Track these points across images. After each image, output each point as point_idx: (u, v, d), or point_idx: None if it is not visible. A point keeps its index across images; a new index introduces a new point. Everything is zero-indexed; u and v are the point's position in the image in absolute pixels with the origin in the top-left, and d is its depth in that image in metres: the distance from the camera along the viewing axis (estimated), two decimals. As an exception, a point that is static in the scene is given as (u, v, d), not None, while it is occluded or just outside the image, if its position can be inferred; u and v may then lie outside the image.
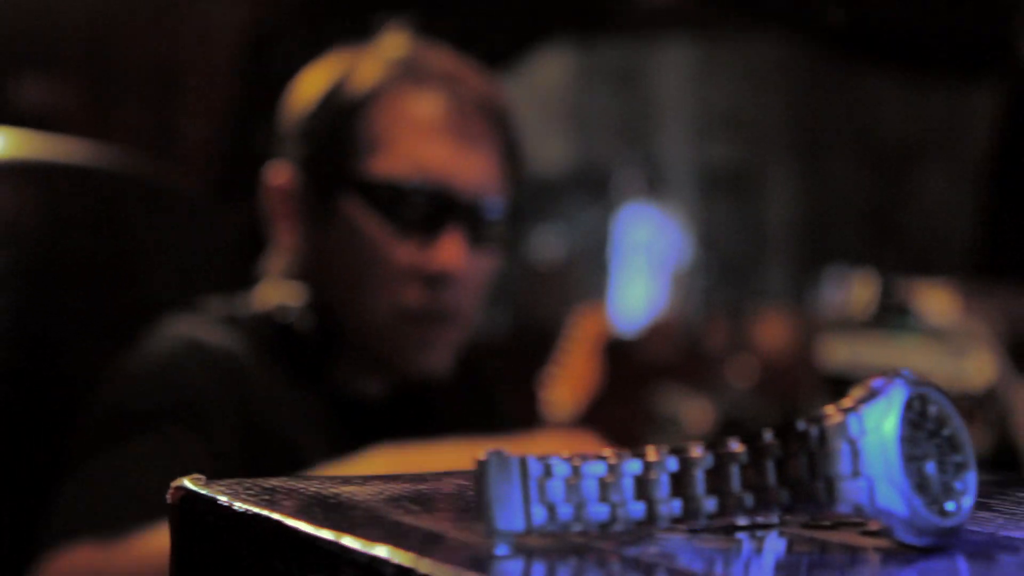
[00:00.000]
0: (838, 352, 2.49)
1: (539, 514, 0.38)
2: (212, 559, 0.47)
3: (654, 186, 5.19)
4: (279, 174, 1.25)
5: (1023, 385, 2.03)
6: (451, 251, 1.18)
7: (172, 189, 1.50)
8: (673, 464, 0.39)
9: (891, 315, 1.63)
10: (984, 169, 3.24)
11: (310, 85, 1.26)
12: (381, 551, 0.37)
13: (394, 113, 1.21)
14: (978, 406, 2.17)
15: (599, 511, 0.39)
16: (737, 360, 3.28)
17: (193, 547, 0.48)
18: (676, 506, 0.39)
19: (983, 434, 2.16)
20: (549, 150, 6.14)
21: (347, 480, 0.50)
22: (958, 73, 4.05)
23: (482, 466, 0.38)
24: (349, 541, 0.38)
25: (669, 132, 4.94)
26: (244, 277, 1.31)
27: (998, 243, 3.07)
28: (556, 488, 0.39)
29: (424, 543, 0.38)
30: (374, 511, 0.43)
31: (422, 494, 0.48)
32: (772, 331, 3.51)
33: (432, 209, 1.19)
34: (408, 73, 1.23)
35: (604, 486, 0.39)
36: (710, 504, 0.39)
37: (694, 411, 2.89)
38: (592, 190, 5.32)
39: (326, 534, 0.39)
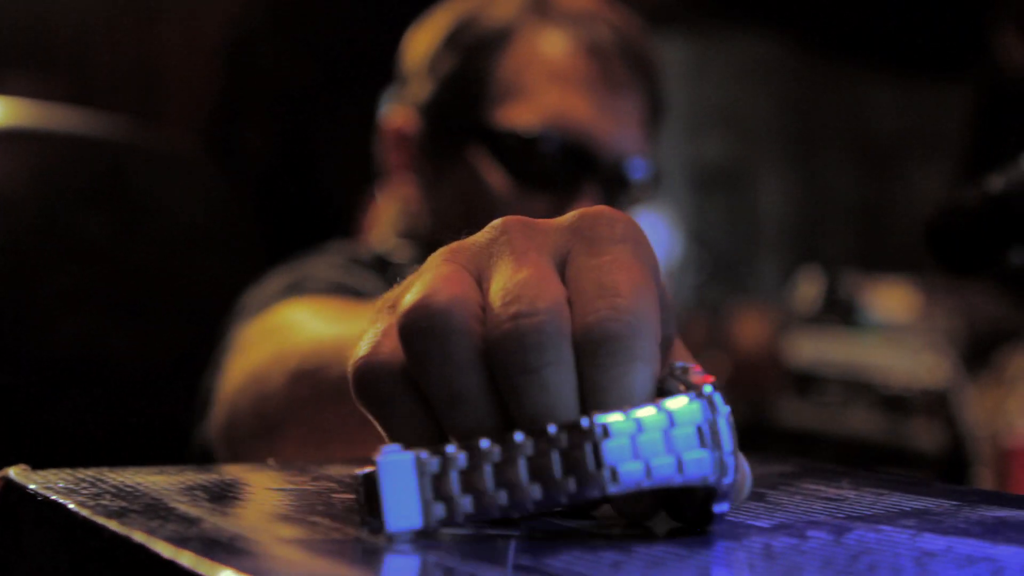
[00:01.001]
0: (803, 349, 2.51)
1: (438, 510, 0.41)
2: (30, 547, 0.50)
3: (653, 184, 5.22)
4: (397, 117, 1.15)
5: (977, 383, 2.05)
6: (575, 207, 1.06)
7: (175, 155, 1.46)
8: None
9: (837, 310, 1.65)
10: (959, 166, 3.26)
11: (436, 22, 1.16)
12: (126, 532, 0.39)
13: (528, 56, 1.10)
14: (935, 403, 2.20)
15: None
16: (711, 356, 3.30)
17: (13, 534, 0.51)
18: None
19: (940, 430, 2.18)
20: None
21: (161, 471, 0.52)
22: (946, 72, 4.07)
23: (376, 469, 0.40)
24: (112, 526, 0.41)
25: (667, 130, 4.97)
26: (254, 242, 1.27)
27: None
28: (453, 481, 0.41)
29: (178, 528, 0.41)
30: (159, 500, 0.46)
31: (221, 484, 0.51)
32: (748, 328, 3.53)
33: (568, 165, 1.08)
34: (544, 11, 1.12)
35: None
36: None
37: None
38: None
39: (100, 521, 0.42)
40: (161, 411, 1.29)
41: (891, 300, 2.32)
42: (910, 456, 2.27)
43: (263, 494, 0.51)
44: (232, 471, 0.54)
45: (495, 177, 1.08)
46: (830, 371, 2.46)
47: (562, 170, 1.07)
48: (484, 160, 1.08)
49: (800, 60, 4.67)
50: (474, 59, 1.10)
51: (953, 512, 0.47)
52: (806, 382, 2.52)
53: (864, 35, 4.16)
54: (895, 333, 1.88)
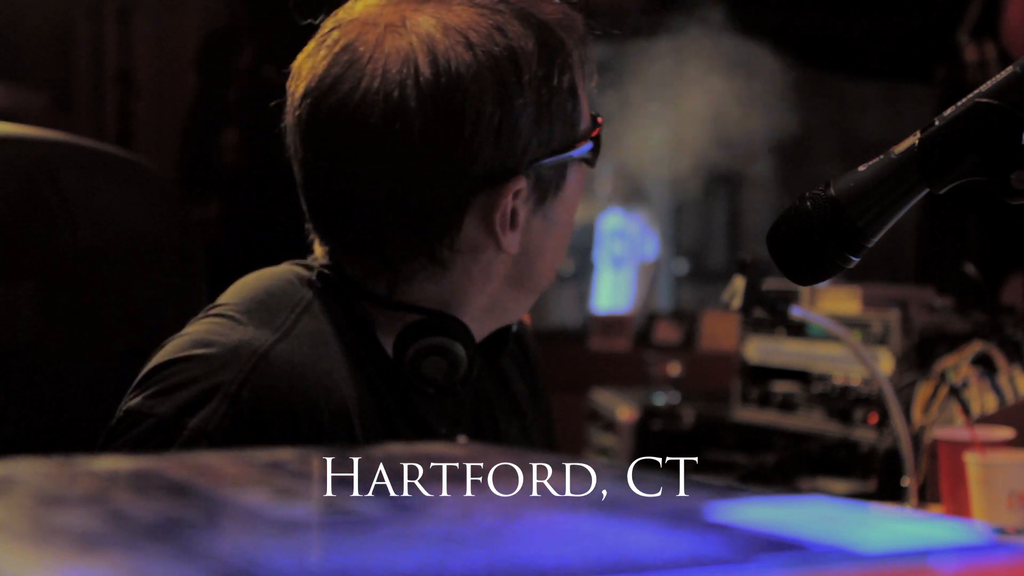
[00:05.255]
0: (756, 348, 2.58)
1: None
2: None
3: (630, 185, 5.27)
4: (506, 195, 1.12)
5: (918, 383, 2.11)
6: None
7: (107, 153, 1.44)
8: None
9: (757, 307, 1.72)
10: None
11: (496, 82, 1.10)
12: None
13: (579, 64, 1.17)
14: (877, 401, 2.25)
15: None
16: (678, 355, 3.38)
17: None
18: None
19: (884, 428, 2.24)
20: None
21: None
22: (928, 78, 4.11)
23: None
24: None
25: (646, 133, 5.02)
26: (192, 245, 1.29)
27: (933, 248, 3.15)
28: None
29: None
30: None
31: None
32: (715, 329, 3.60)
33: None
34: (564, 27, 1.16)
35: None
36: None
37: (624, 406, 2.98)
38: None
39: None
40: (89, 411, 1.30)
41: (834, 302, 2.38)
42: (856, 451, 2.34)
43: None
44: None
45: (581, 184, 1.19)
46: (781, 369, 2.53)
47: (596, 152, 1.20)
48: (579, 175, 1.19)
49: (788, 65, 4.72)
50: (554, 94, 1.13)
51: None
52: (759, 379, 2.58)
53: (848, 40, 4.21)
54: (836, 336, 1.93)
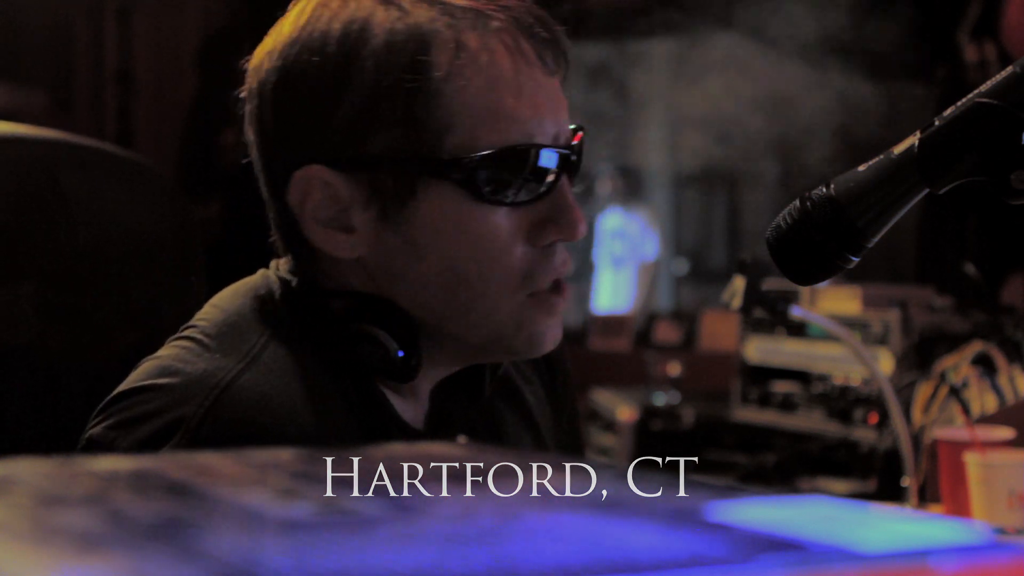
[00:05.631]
0: (756, 348, 2.58)
1: None
2: None
3: (630, 185, 5.28)
4: (311, 185, 1.03)
5: (918, 383, 2.11)
6: (575, 206, 1.03)
7: (107, 152, 1.43)
8: None
9: (757, 307, 1.72)
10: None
11: (317, 64, 1.01)
12: None
13: (464, 67, 1.00)
14: (877, 401, 2.25)
15: None
16: (678, 355, 3.38)
17: None
18: None
19: (884, 428, 2.24)
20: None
21: None
22: (928, 75, 4.11)
23: None
24: None
25: (646, 131, 5.02)
26: (193, 245, 1.27)
27: (933, 248, 3.15)
28: None
29: None
30: None
31: None
32: (715, 329, 3.60)
33: (543, 167, 1.02)
34: (443, 6, 1.01)
35: None
36: None
37: (624, 406, 2.98)
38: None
39: None
40: (88, 411, 1.31)
41: (834, 302, 2.37)
42: (856, 451, 2.34)
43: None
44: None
45: (473, 210, 1.01)
46: (781, 370, 2.53)
47: (538, 174, 1.02)
48: (455, 197, 1.01)
49: (786, 62, 4.72)
50: (402, 91, 1.00)
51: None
52: (760, 379, 2.58)
53: (847, 36, 4.21)
54: (836, 336, 1.93)
